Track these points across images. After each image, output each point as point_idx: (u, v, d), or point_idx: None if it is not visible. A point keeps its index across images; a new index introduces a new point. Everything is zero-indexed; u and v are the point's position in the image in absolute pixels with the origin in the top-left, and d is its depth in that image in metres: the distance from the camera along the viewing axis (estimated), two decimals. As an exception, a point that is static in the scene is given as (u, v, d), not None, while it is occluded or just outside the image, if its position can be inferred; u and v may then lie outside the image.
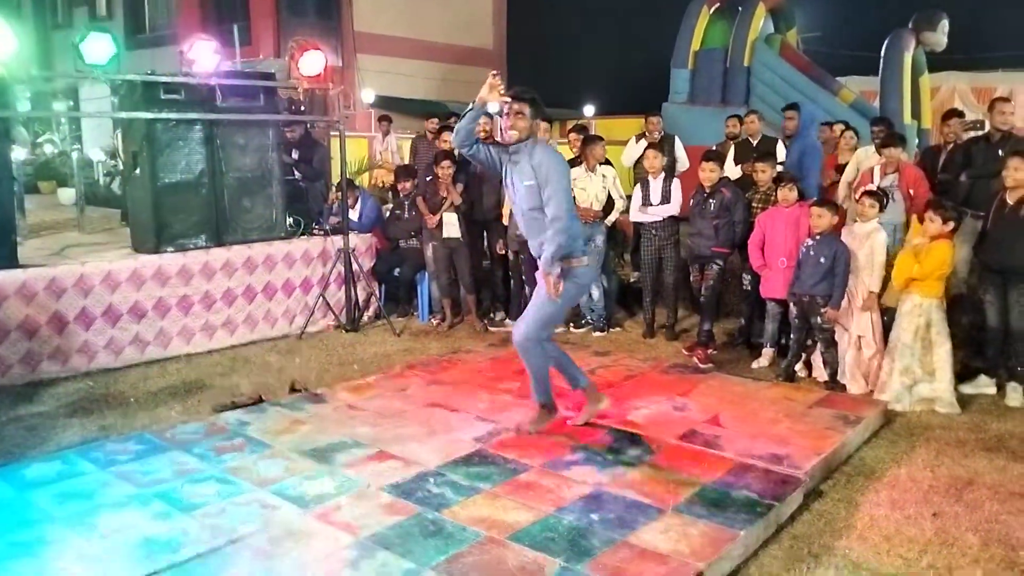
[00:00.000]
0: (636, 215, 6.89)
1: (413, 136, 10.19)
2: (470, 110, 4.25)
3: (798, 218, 5.78)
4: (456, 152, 7.45)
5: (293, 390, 5.42)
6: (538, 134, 4.35)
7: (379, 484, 3.81)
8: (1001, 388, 5.40)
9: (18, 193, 8.74)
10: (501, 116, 4.38)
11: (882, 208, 5.54)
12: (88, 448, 4.32)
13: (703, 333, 6.34)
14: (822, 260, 5.41)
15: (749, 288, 6.36)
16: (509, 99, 4.16)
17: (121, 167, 10.26)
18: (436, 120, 8.99)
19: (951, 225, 5.21)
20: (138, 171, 6.51)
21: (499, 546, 3.24)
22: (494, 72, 4.29)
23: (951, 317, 5.38)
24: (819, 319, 5.49)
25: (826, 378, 5.58)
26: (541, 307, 4.30)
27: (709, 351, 6.21)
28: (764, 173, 6.33)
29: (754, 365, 6.08)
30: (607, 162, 7.07)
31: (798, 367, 5.81)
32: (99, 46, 5.70)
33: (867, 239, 5.44)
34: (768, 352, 6.11)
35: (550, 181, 4.13)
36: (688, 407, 4.92)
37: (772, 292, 5.93)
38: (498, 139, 7.89)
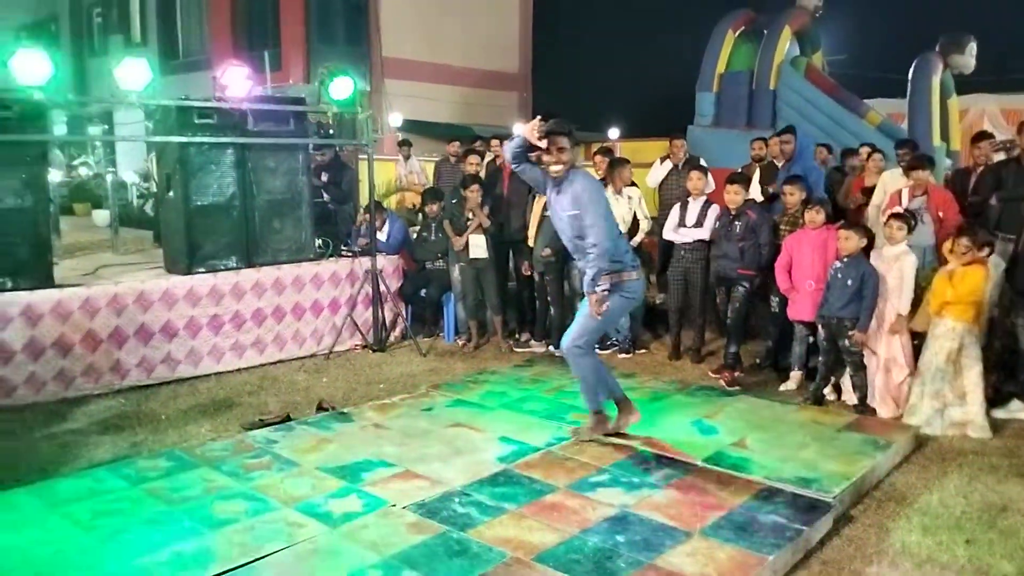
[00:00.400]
0: (669, 234, 6.86)
1: (437, 159, 10.26)
2: (516, 137, 4.51)
3: (825, 240, 5.75)
4: (483, 175, 7.57)
5: (320, 409, 5.47)
6: (576, 161, 4.52)
7: (404, 503, 3.83)
8: (1034, 413, 5.31)
9: (53, 214, 8.94)
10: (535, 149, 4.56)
11: (910, 231, 5.49)
12: (119, 465, 4.38)
13: (729, 356, 6.30)
14: (849, 283, 5.37)
15: (777, 310, 6.32)
16: (544, 139, 4.35)
17: (154, 189, 10.44)
18: (458, 143, 9.08)
19: (986, 251, 5.15)
20: (171, 193, 6.64)
21: (524, 567, 3.24)
22: (541, 116, 4.54)
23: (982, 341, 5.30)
24: (847, 342, 5.44)
25: (855, 402, 5.52)
26: (585, 319, 4.51)
27: (736, 374, 6.18)
28: (792, 196, 6.31)
29: (782, 388, 6.04)
30: (632, 183, 7.10)
31: (826, 390, 5.75)
32: (135, 72, 5.84)
33: (896, 262, 5.40)
34: (796, 375, 6.06)
35: (589, 210, 4.33)
36: (715, 430, 4.89)
37: (800, 315, 5.89)
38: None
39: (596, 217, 4.31)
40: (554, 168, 4.39)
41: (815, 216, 5.85)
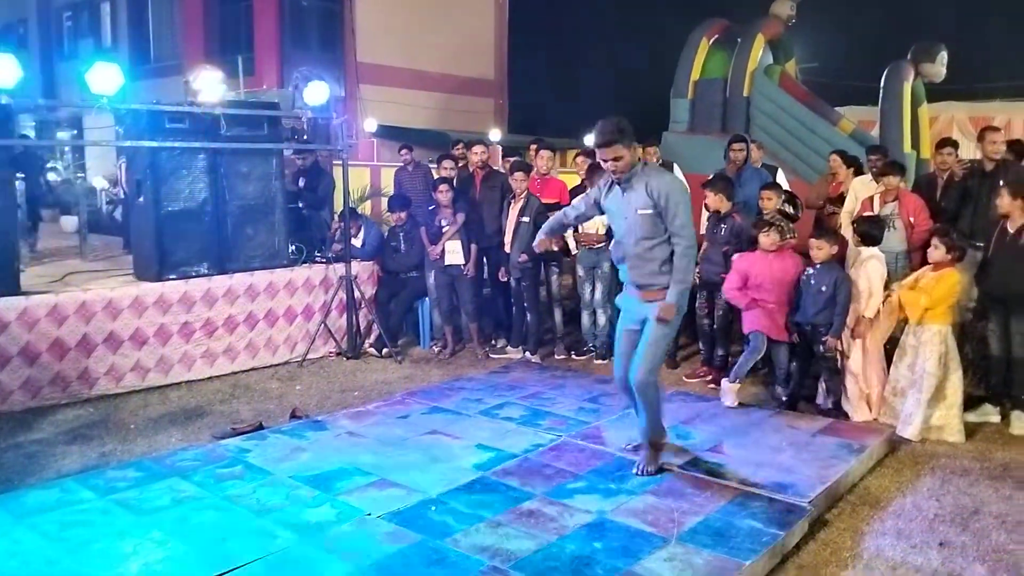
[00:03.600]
0: None
1: (397, 166, 10.06)
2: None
3: (784, 266, 5.60)
4: (454, 179, 7.54)
5: (294, 417, 5.41)
6: (642, 157, 4.29)
7: (380, 512, 3.78)
8: (1005, 417, 5.38)
9: (20, 220, 8.77)
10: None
11: (867, 239, 5.52)
12: (87, 475, 4.30)
13: (717, 358, 6.32)
14: (824, 289, 5.40)
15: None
16: (593, 159, 4.33)
17: (124, 195, 10.30)
18: (407, 150, 9.02)
19: (956, 254, 5.20)
20: (141, 199, 6.54)
21: (501, 575, 3.21)
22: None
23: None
24: (821, 348, 5.47)
25: (829, 406, 5.55)
26: (656, 345, 4.15)
27: (721, 374, 6.13)
28: (770, 201, 6.32)
29: (725, 402, 5.83)
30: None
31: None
32: (105, 76, 5.74)
33: (862, 267, 5.46)
34: (735, 386, 5.69)
35: (679, 211, 4.00)
36: (691, 435, 4.90)
37: (759, 326, 5.64)
38: (496, 167, 7.93)
39: (687, 217, 4.00)
40: (615, 176, 4.13)
41: (765, 239, 5.62)
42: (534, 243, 4.72)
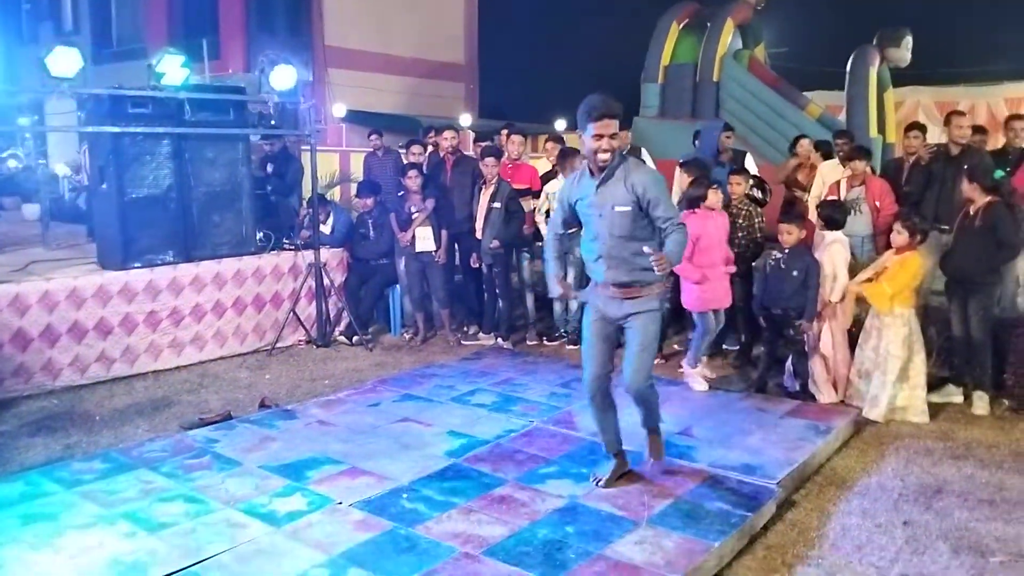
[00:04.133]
0: None
1: (366, 152, 9.93)
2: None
3: (724, 221, 5.92)
4: (424, 165, 7.49)
5: (263, 406, 5.36)
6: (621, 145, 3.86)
7: (351, 500, 3.77)
8: (968, 397, 5.48)
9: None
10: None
11: (831, 222, 5.58)
12: (52, 468, 4.23)
13: (686, 342, 6.37)
14: (795, 274, 5.42)
15: (741, 304, 6.33)
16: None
17: (87, 182, 10.10)
18: (376, 136, 8.93)
19: (917, 238, 5.28)
20: (104, 186, 6.42)
21: (474, 561, 3.22)
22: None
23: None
24: (792, 331, 5.52)
25: (797, 389, 5.62)
26: (648, 349, 3.88)
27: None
28: (739, 186, 6.36)
29: (695, 388, 5.71)
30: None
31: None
32: (66, 60, 5.62)
33: (826, 251, 5.52)
34: (700, 370, 5.78)
35: (662, 198, 3.69)
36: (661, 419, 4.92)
37: (715, 303, 5.70)
38: (467, 153, 7.89)
39: (669, 201, 3.74)
40: (601, 156, 3.69)
41: (716, 196, 5.86)
42: (554, 291, 4.23)
